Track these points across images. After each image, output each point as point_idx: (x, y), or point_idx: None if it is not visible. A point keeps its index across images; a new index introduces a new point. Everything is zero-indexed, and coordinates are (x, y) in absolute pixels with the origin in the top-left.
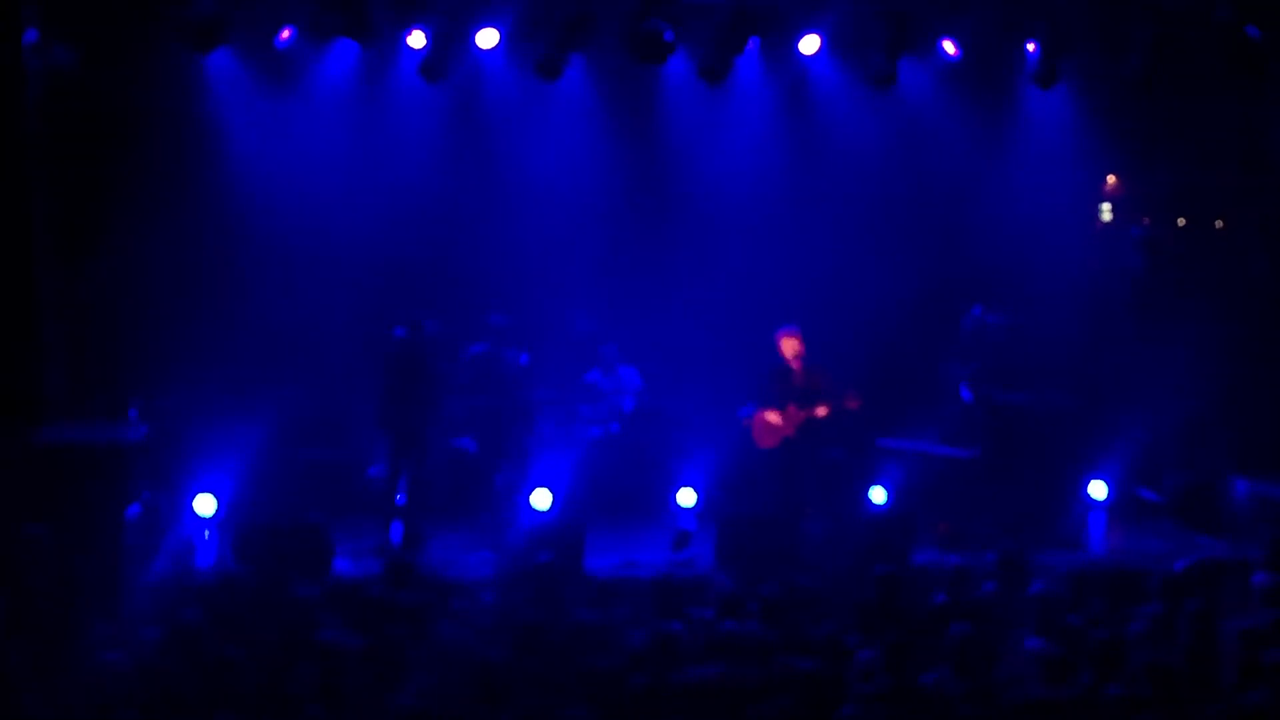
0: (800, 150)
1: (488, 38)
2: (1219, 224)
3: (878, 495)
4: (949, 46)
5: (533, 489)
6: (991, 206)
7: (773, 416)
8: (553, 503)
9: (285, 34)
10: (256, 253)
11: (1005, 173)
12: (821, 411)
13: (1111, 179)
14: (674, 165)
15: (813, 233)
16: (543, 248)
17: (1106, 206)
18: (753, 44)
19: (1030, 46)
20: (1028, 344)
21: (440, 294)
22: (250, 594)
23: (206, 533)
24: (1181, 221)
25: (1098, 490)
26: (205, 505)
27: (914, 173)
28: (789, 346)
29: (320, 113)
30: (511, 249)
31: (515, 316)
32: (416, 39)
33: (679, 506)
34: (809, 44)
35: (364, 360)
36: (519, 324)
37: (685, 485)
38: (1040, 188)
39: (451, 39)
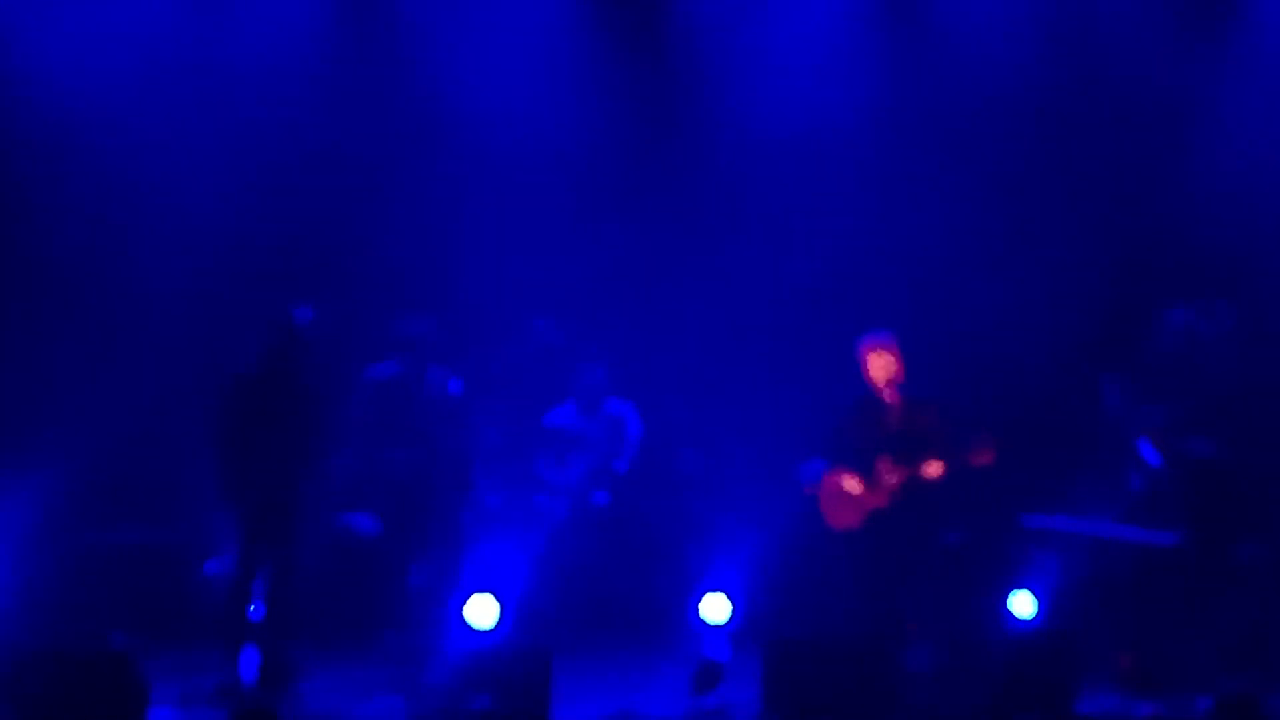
0: (893, 75)
1: None
2: None
3: (1022, 605)
4: None
5: (468, 595)
6: (1201, 157)
7: (852, 481)
8: (500, 618)
9: None
10: (44, 220)
11: (1223, 105)
12: (933, 470)
13: None
14: (693, 100)
15: (912, 201)
16: (487, 221)
17: None
18: None
19: None
20: (1264, 368)
21: (326, 288)
22: None
23: None
24: None
25: None
26: None
27: (1075, 105)
28: (880, 367)
29: (148, 21)
30: (439, 223)
31: (441, 322)
32: None
33: (703, 624)
34: None
35: (202, 387)
36: (446, 334)
37: (712, 589)
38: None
39: None
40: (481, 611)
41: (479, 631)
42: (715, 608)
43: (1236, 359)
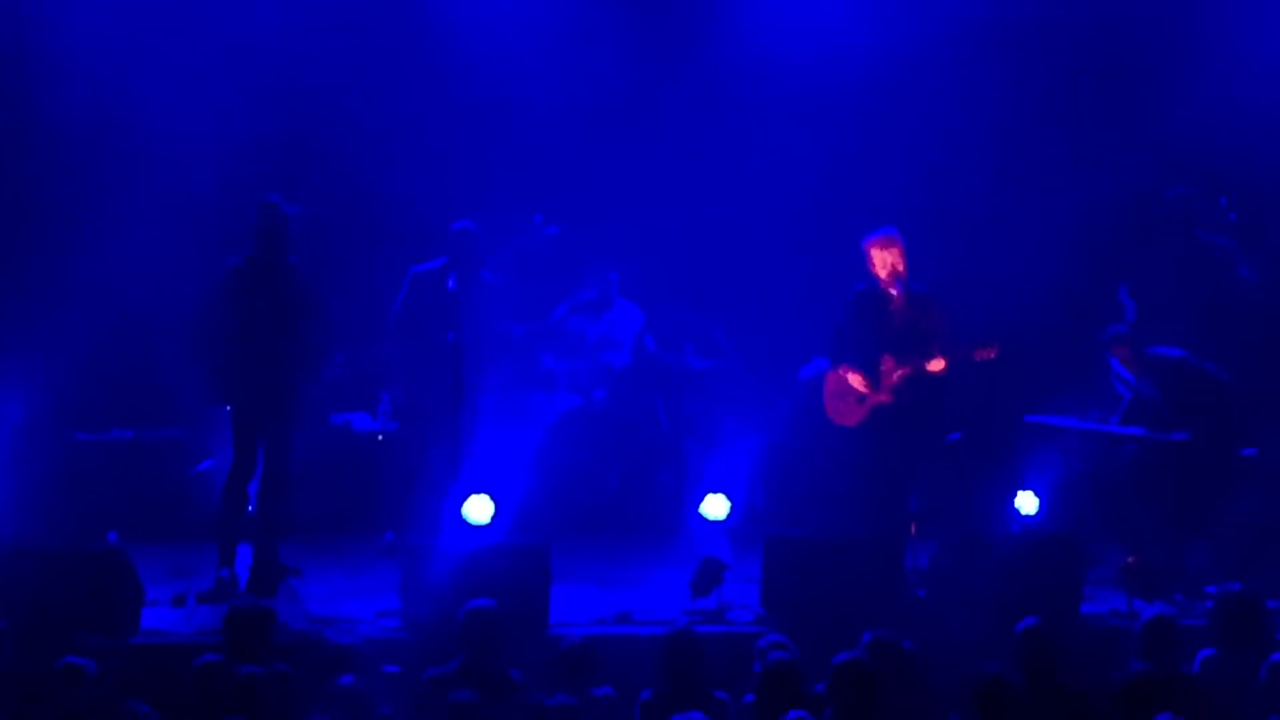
0: None
1: None
2: None
3: (1025, 503)
4: None
5: (467, 494)
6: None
7: (856, 376)
8: (497, 515)
9: None
10: (41, 119)
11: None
12: (936, 365)
13: None
14: (699, 12)
15: (920, 107)
16: (494, 134)
17: None
18: None
19: None
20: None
21: (330, 197)
22: (7, 663)
23: None
24: None
25: None
26: None
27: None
28: (884, 262)
29: None
30: (445, 144)
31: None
32: None
33: (702, 522)
34: None
35: (194, 284)
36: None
37: (713, 489)
38: None
39: None
40: (479, 510)
41: (477, 529)
42: (715, 506)
43: (1240, 253)
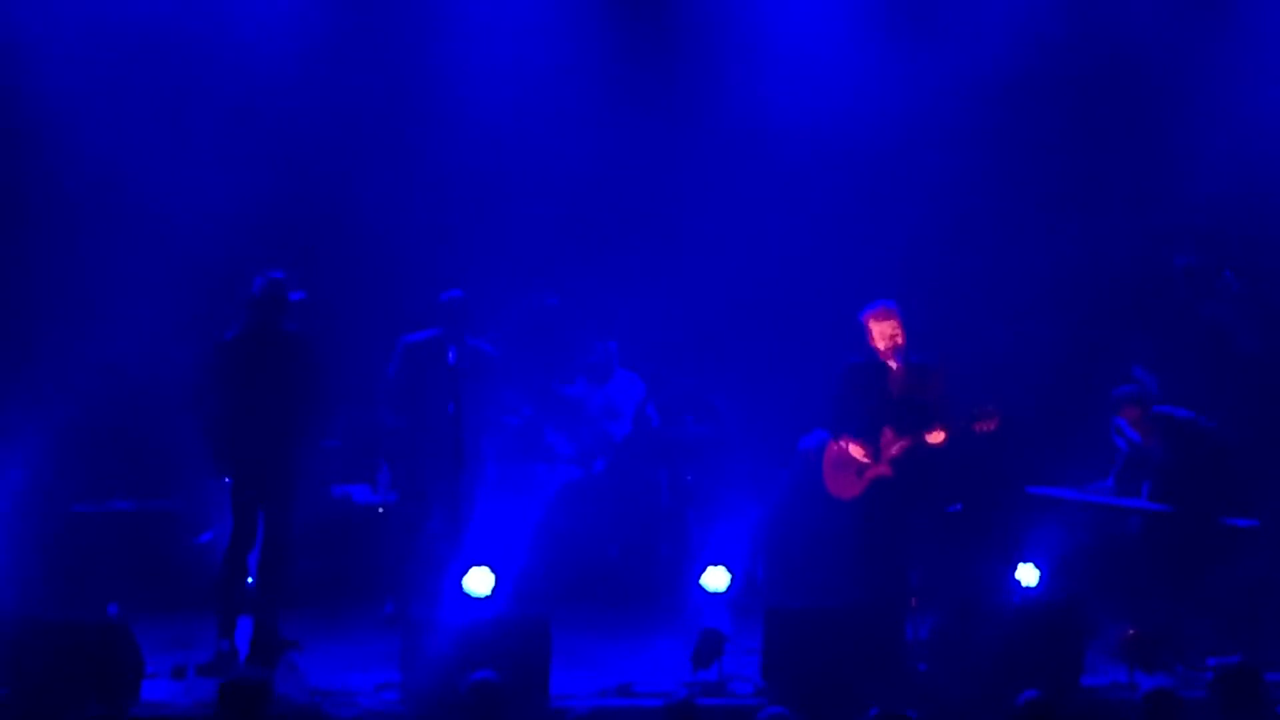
0: (895, 50)
1: None
2: None
3: (1026, 575)
4: None
5: (468, 566)
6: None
7: (856, 448)
8: (497, 587)
9: None
10: (33, 190)
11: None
12: (936, 438)
13: None
14: (697, 80)
15: (917, 176)
16: (490, 202)
17: None
18: None
19: None
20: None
21: (325, 264)
22: None
23: None
24: None
25: None
26: None
27: (1078, 77)
28: (882, 333)
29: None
30: (439, 205)
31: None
32: None
33: (703, 594)
34: None
35: (190, 352)
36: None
37: (713, 560)
38: None
39: None
40: (480, 583)
41: (478, 602)
42: (716, 578)
43: (1241, 325)
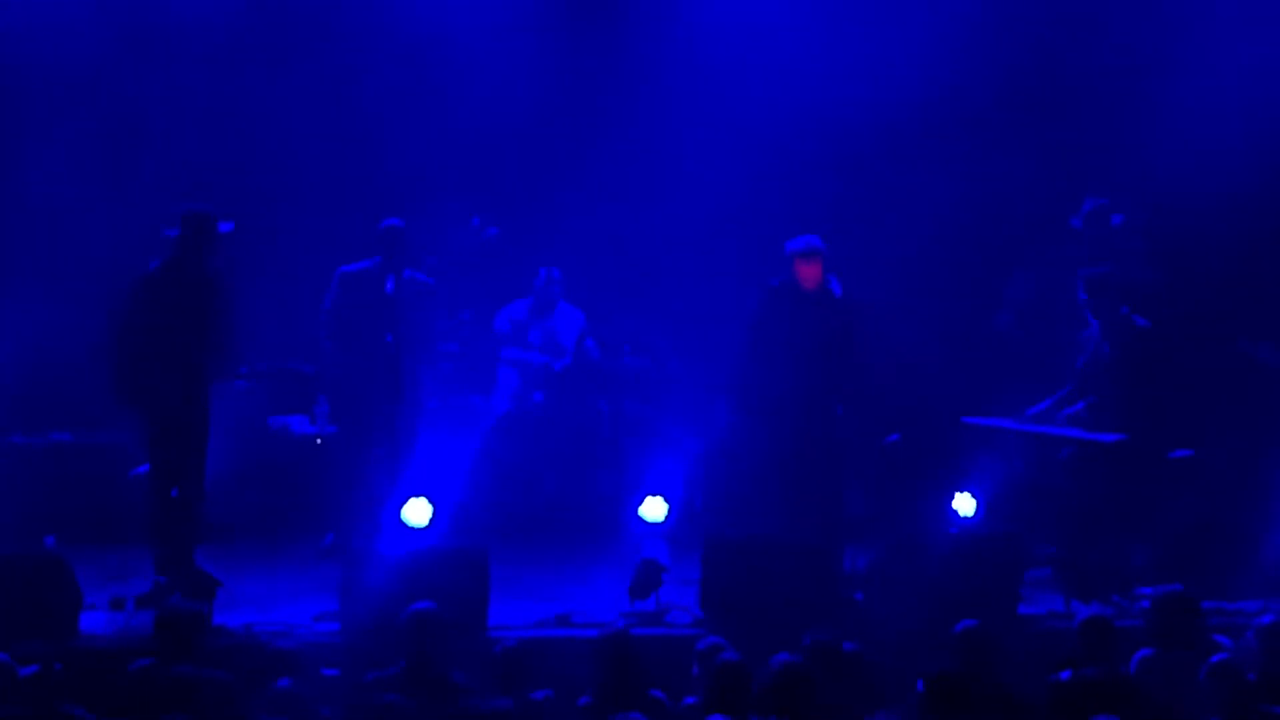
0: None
1: None
2: None
3: (963, 505)
4: None
5: (406, 497)
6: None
7: None
8: (436, 518)
9: None
10: None
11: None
12: None
13: None
14: (640, 18)
15: (847, 109)
16: (428, 123)
17: None
18: None
19: None
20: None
21: (266, 196)
22: None
23: None
24: None
25: None
26: None
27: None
28: (807, 268)
29: None
30: (385, 133)
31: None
32: None
33: (641, 525)
34: None
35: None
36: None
37: (651, 492)
38: None
39: None
40: (418, 514)
41: (415, 532)
42: (654, 510)
43: (1145, 253)
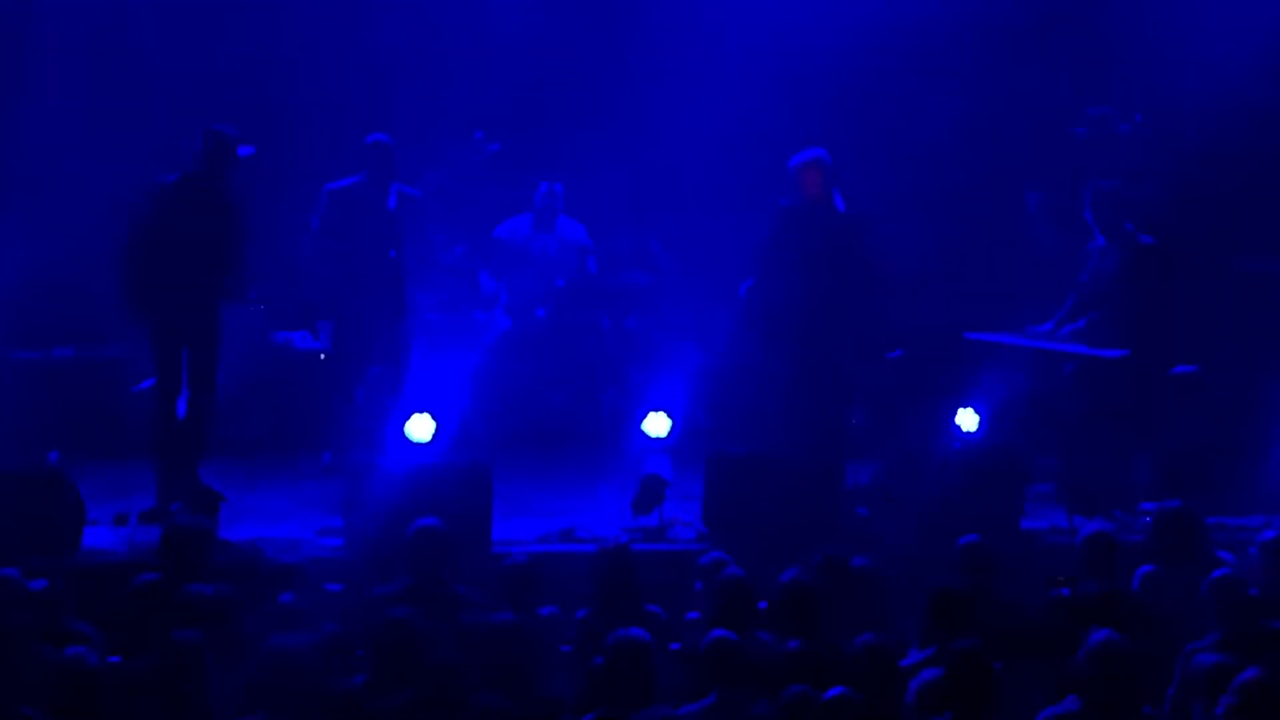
0: None
1: None
2: None
3: (966, 421)
4: None
5: (408, 413)
6: None
7: None
8: (439, 433)
9: None
10: None
11: None
12: None
13: None
14: None
15: (849, 31)
16: (435, 47)
17: None
18: None
19: None
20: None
21: (265, 109)
22: None
23: None
24: None
25: None
26: None
27: None
28: (811, 183)
29: None
30: (382, 50)
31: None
32: None
33: (644, 440)
34: None
35: (130, 198)
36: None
37: (654, 407)
38: None
39: None
40: (421, 428)
41: (418, 448)
42: (657, 425)
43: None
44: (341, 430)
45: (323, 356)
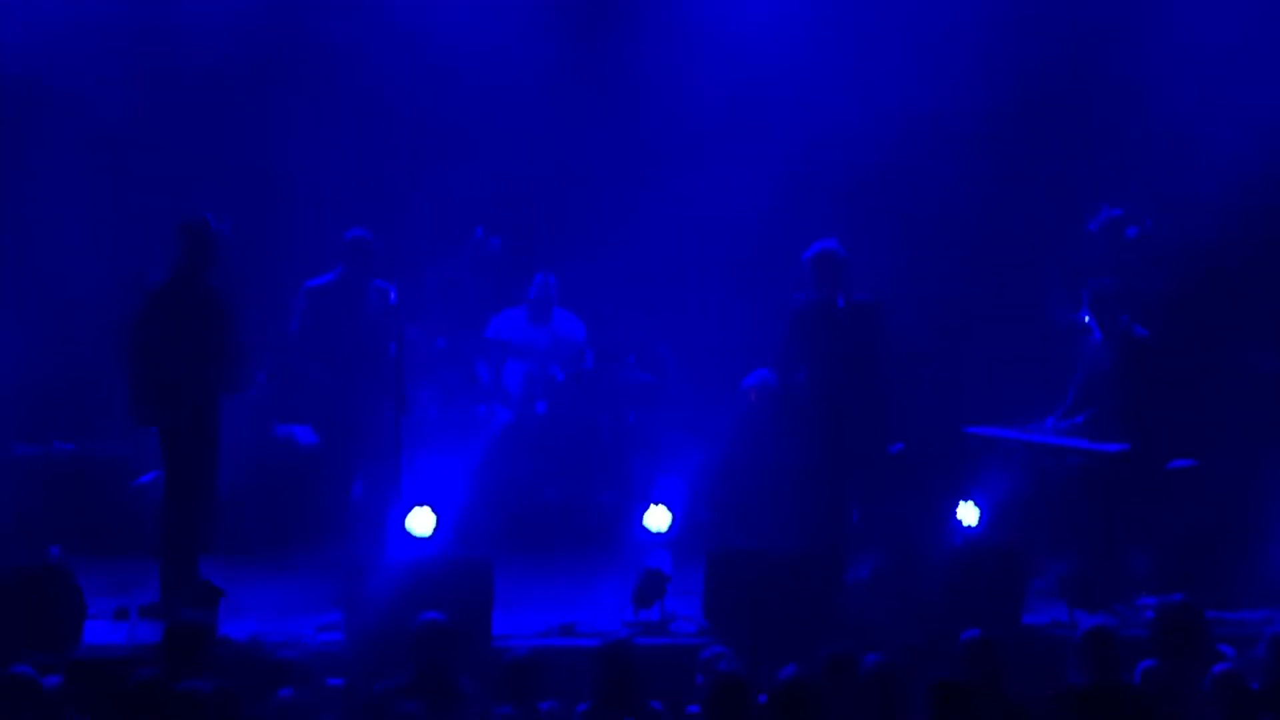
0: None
1: None
2: None
3: (966, 515)
4: None
5: (408, 507)
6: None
7: None
8: (439, 528)
9: None
10: None
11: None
12: None
13: None
14: (643, 20)
15: (857, 118)
16: (431, 137)
17: None
18: None
19: None
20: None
21: (262, 204)
22: None
23: None
24: None
25: None
26: None
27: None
28: (824, 275)
29: None
30: (378, 139)
31: (382, 234)
32: None
33: (645, 534)
34: None
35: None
36: (387, 246)
37: (654, 501)
38: None
39: None
40: (421, 523)
41: (419, 542)
42: (657, 519)
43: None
44: (341, 525)
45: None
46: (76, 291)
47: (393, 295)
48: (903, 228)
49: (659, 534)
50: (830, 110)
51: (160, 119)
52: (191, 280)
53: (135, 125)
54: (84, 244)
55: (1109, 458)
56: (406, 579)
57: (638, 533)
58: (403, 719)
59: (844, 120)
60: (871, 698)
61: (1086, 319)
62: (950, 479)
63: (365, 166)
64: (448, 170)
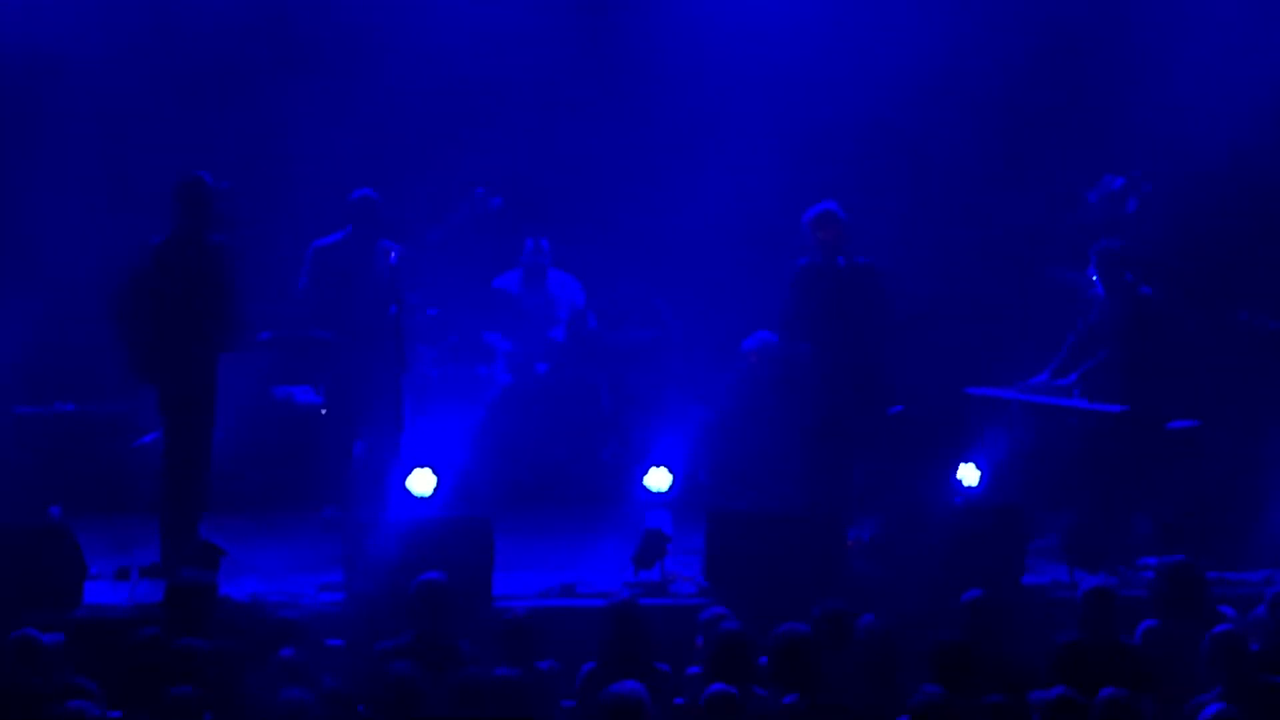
0: None
1: None
2: None
3: (967, 476)
4: None
5: (409, 468)
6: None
7: None
8: (440, 488)
9: None
10: None
11: None
12: None
13: None
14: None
15: (860, 85)
16: (435, 101)
17: None
18: None
19: None
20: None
21: (262, 166)
22: None
23: None
24: None
25: None
26: None
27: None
28: (824, 237)
29: None
30: (385, 105)
31: (385, 195)
32: None
33: (645, 495)
34: None
35: (127, 251)
36: (391, 207)
37: (655, 462)
38: None
39: None
40: (422, 483)
41: (420, 502)
42: (658, 480)
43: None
44: (342, 485)
45: (323, 411)
46: (77, 252)
47: (394, 256)
48: (910, 189)
49: (659, 494)
50: (835, 71)
51: (165, 91)
52: (191, 239)
53: (140, 96)
54: (84, 206)
55: (1110, 418)
56: (407, 539)
57: (638, 493)
58: (402, 679)
59: (849, 81)
60: (868, 658)
61: (1094, 278)
62: (951, 440)
63: (371, 141)
64: (457, 139)
